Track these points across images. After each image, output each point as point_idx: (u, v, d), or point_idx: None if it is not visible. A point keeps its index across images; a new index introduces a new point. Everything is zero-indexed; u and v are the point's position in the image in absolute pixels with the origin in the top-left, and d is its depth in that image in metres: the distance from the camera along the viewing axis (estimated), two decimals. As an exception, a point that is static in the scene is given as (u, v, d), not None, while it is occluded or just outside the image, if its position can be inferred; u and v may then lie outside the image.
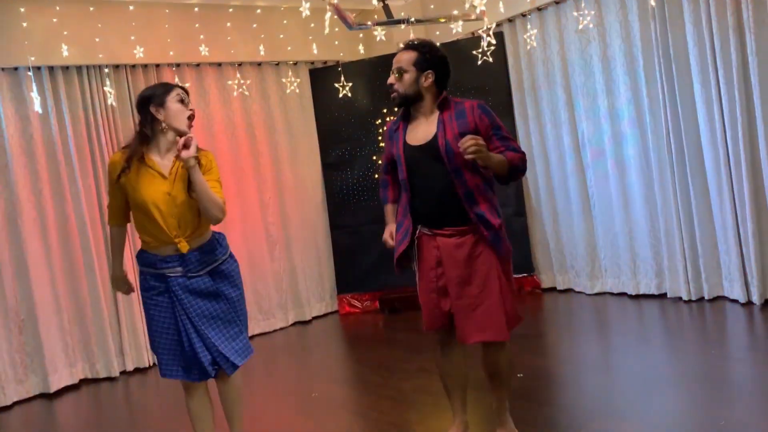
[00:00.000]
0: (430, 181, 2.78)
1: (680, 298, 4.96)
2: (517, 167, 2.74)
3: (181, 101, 2.83)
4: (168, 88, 2.83)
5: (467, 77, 6.04)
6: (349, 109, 6.28)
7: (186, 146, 2.70)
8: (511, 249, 2.84)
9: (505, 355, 2.87)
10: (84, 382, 5.10)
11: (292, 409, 3.89)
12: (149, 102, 2.78)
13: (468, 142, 2.51)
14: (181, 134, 2.79)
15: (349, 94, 5.86)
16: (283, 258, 6.12)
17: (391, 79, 2.83)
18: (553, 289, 5.98)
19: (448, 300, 2.81)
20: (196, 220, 2.79)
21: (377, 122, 6.23)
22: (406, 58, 2.81)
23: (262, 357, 5.34)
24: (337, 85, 5.79)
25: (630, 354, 4.09)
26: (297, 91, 5.93)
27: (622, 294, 5.42)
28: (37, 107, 4.55)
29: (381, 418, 3.52)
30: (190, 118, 2.85)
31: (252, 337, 5.82)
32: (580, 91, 5.45)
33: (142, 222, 2.78)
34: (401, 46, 2.89)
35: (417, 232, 2.92)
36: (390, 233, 3.06)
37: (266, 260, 6.01)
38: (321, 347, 5.52)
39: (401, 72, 2.80)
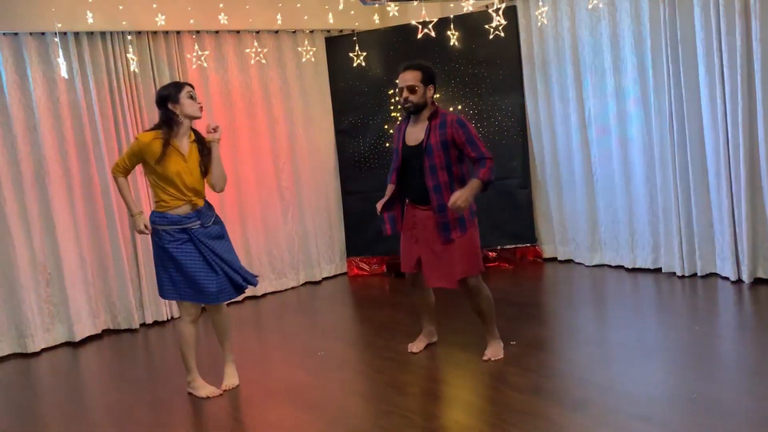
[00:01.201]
0: (414, 173, 3.75)
1: (674, 273, 5.16)
2: (490, 181, 3.62)
3: (191, 97, 3.61)
4: (179, 87, 3.62)
5: (479, 50, 6.16)
6: (362, 78, 6.43)
7: (214, 130, 3.71)
8: (473, 226, 3.75)
9: (481, 298, 3.82)
10: (106, 332, 5.44)
11: (297, 366, 4.18)
12: (167, 100, 3.59)
13: (456, 204, 3.47)
14: (195, 119, 3.65)
15: (363, 64, 6.00)
16: (295, 221, 6.37)
17: (406, 94, 3.70)
18: (554, 260, 6.19)
19: (418, 253, 3.83)
20: (202, 187, 3.73)
21: (389, 92, 6.37)
22: (413, 77, 3.68)
23: (272, 314, 5.66)
24: (351, 54, 5.94)
25: (621, 325, 4.32)
26: (312, 59, 6.07)
27: (620, 267, 5.63)
28: (63, 72, 4.76)
29: (379, 378, 3.80)
30: (200, 105, 3.66)
31: (264, 295, 6.14)
32: (588, 69, 5.56)
33: (168, 188, 3.60)
34: (403, 66, 3.76)
35: (405, 202, 3.94)
36: (381, 203, 3.96)
37: (279, 223, 6.27)
38: (329, 307, 5.80)
39: (413, 89, 3.68)
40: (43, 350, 5.11)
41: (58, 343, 5.20)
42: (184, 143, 3.63)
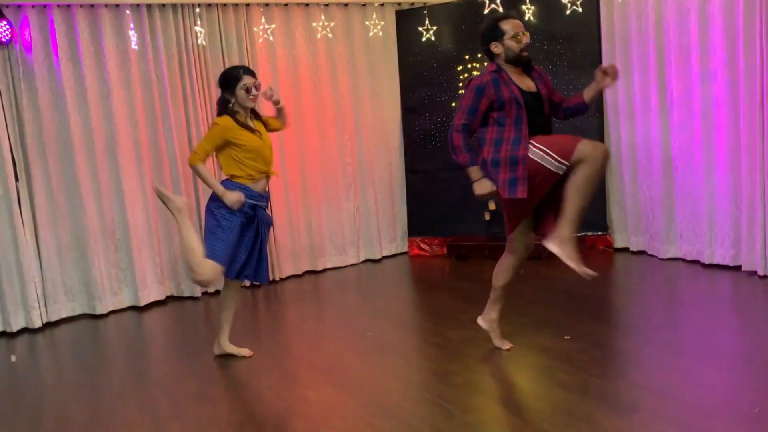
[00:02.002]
0: (537, 118, 3.41)
1: (755, 273, 4.77)
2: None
3: (246, 89, 3.74)
4: (236, 79, 3.76)
5: (556, 26, 5.86)
6: (432, 53, 6.26)
7: (270, 97, 3.91)
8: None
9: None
10: (170, 298, 5.62)
11: (344, 345, 4.17)
12: (224, 88, 3.80)
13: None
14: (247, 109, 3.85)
15: (433, 38, 5.83)
16: (357, 198, 6.34)
17: (527, 40, 3.44)
18: (625, 250, 5.88)
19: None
20: (271, 159, 3.94)
21: (458, 68, 6.18)
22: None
23: (328, 290, 5.68)
24: (421, 28, 5.78)
25: (690, 326, 4.03)
26: (380, 34, 5.96)
27: (695, 262, 5.27)
28: (134, 44, 4.88)
29: (424, 364, 3.72)
30: (254, 98, 3.81)
31: (323, 271, 6.17)
32: (672, 48, 5.17)
33: (251, 162, 3.78)
34: (517, 14, 3.61)
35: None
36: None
37: (341, 199, 6.25)
38: (385, 287, 5.76)
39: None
40: (111, 312, 5.34)
41: (124, 307, 5.43)
42: (250, 122, 3.86)
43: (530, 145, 3.26)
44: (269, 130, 4.01)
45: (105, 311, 5.30)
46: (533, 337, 3.92)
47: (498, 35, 3.44)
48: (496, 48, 3.46)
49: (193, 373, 3.88)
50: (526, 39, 3.42)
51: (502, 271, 3.68)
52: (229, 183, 3.79)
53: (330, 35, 5.83)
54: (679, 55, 5.13)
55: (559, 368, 3.46)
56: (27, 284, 4.99)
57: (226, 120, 3.76)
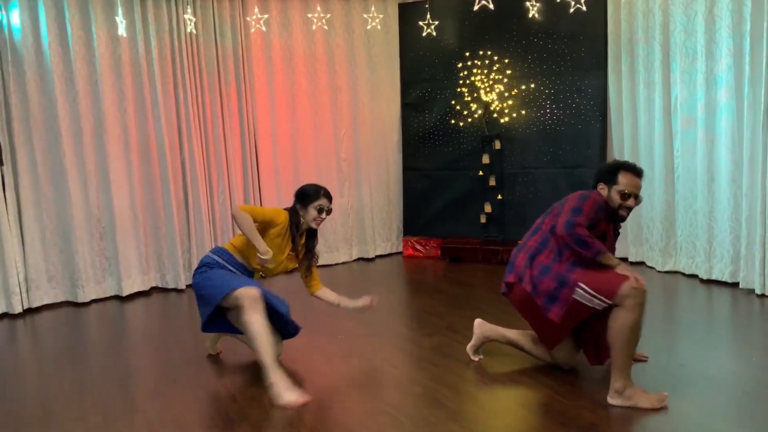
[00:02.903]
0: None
1: (753, 291, 4.55)
2: None
3: (319, 210, 3.59)
4: (316, 196, 3.60)
5: (561, 24, 5.66)
6: (433, 49, 6.10)
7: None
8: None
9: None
10: (154, 289, 5.58)
11: (314, 348, 4.05)
12: (298, 201, 3.62)
13: None
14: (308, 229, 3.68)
15: (434, 33, 5.67)
16: (352, 195, 6.21)
17: (632, 203, 3.20)
18: (623, 260, 5.65)
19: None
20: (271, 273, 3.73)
21: (459, 65, 6.01)
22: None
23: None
24: (422, 23, 5.62)
25: (682, 344, 3.82)
26: (379, 27, 5.81)
27: (694, 276, 5.06)
28: (122, 31, 4.81)
29: (388, 372, 3.59)
30: (321, 221, 3.64)
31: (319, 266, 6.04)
32: (678, 51, 4.94)
33: (253, 258, 3.53)
34: (636, 169, 3.22)
35: None
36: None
37: (335, 195, 6.07)
38: (372, 288, 5.58)
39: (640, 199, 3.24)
40: (93, 301, 5.31)
41: (107, 296, 5.39)
42: (297, 240, 3.66)
43: (577, 288, 3.03)
44: (299, 262, 3.73)
45: (87, 299, 5.27)
46: (511, 349, 3.74)
47: (610, 180, 3.21)
48: (602, 190, 3.23)
49: (159, 370, 3.81)
50: (631, 202, 3.18)
51: (534, 349, 3.50)
52: (221, 248, 3.62)
53: (325, 27, 5.69)
54: (684, 58, 4.90)
55: (526, 385, 3.30)
56: (9, 269, 4.97)
57: (285, 216, 3.57)
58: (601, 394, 3.20)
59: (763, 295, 4.46)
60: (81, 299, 5.24)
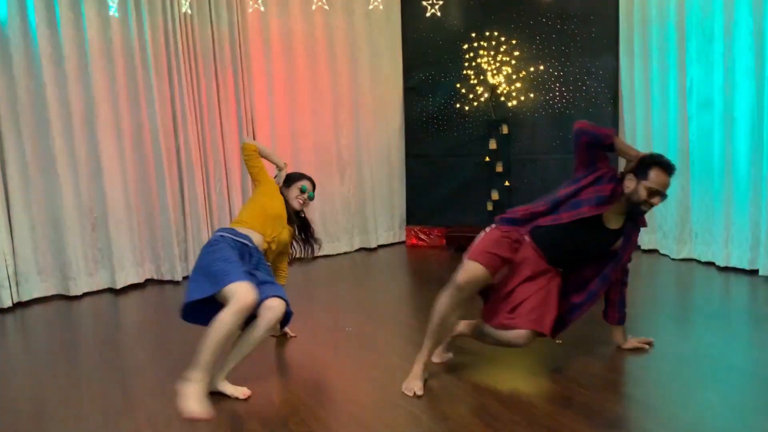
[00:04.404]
0: (582, 245, 3.17)
1: (773, 278, 4.39)
2: None
3: (302, 190, 3.68)
4: (299, 178, 3.73)
5: (571, 4, 5.47)
6: (437, 30, 5.90)
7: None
8: None
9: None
10: (149, 281, 5.36)
11: (319, 340, 3.87)
12: (284, 184, 3.72)
13: None
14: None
15: (438, 14, 5.47)
16: (353, 182, 6.01)
17: (658, 201, 3.01)
18: (636, 248, 5.48)
19: None
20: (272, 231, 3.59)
21: (464, 47, 5.80)
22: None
23: (317, 280, 5.37)
24: (425, 3, 5.41)
25: (699, 334, 3.66)
26: (381, 7, 5.59)
27: (710, 264, 4.89)
28: (114, 11, 4.58)
29: (400, 365, 3.38)
30: (303, 202, 3.72)
31: (314, 258, 5.83)
32: (694, 31, 4.75)
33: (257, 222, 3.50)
34: (671, 168, 3.01)
35: None
36: None
37: (335, 182, 5.93)
38: (376, 279, 5.44)
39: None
40: (85, 294, 5.09)
41: (100, 289, 5.17)
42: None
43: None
44: (282, 240, 3.60)
45: (80, 293, 5.04)
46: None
47: (641, 174, 2.99)
48: (630, 181, 3.02)
49: (159, 365, 3.61)
50: (656, 200, 3.00)
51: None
52: (226, 228, 3.44)
53: (326, 7, 5.47)
54: (701, 38, 4.71)
55: (546, 377, 3.13)
56: (-3, 261, 4.75)
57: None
58: (627, 386, 3.03)
59: (784, 283, 4.31)
60: (73, 292, 5.02)
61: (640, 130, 5.33)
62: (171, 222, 5.26)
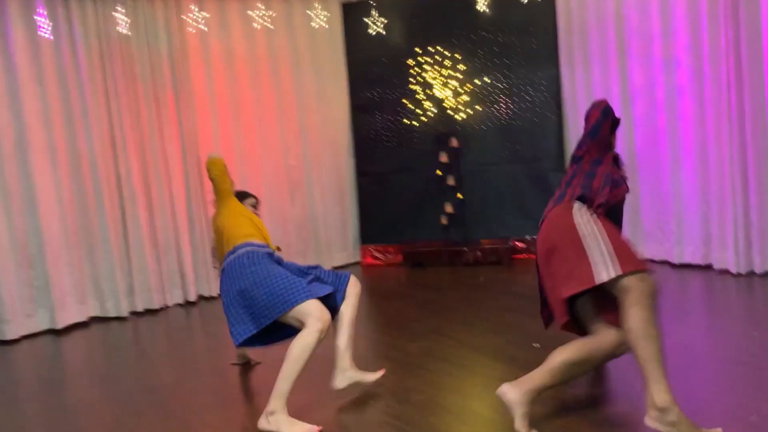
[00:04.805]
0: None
1: (727, 271, 4.50)
2: None
3: (253, 206, 3.57)
4: (248, 195, 3.59)
5: (511, 16, 5.57)
6: (381, 48, 5.88)
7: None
8: None
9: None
10: (94, 320, 5.02)
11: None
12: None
13: None
14: None
15: (383, 32, 5.45)
16: (304, 204, 5.86)
17: None
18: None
19: None
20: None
21: (410, 63, 5.80)
22: None
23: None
24: (368, 20, 5.39)
25: (664, 329, 3.68)
26: (326, 26, 5.53)
27: (664, 262, 4.98)
28: (47, 33, 4.32)
29: (379, 381, 3.25)
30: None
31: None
32: (633, 35, 4.90)
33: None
34: None
35: None
36: None
37: (286, 205, 5.76)
38: (336, 299, 5.27)
39: None
40: (23, 337, 4.69)
41: (39, 331, 4.78)
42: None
43: None
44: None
45: (16, 336, 4.64)
46: (500, 346, 3.52)
47: None
48: None
49: (115, 403, 3.32)
50: None
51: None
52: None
53: (271, 26, 5.36)
54: (640, 42, 4.87)
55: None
56: None
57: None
58: (614, 381, 3.00)
59: (739, 275, 4.42)
60: (9, 336, 4.61)
61: (585, 136, 5.43)
62: (114, 255, 4.96)
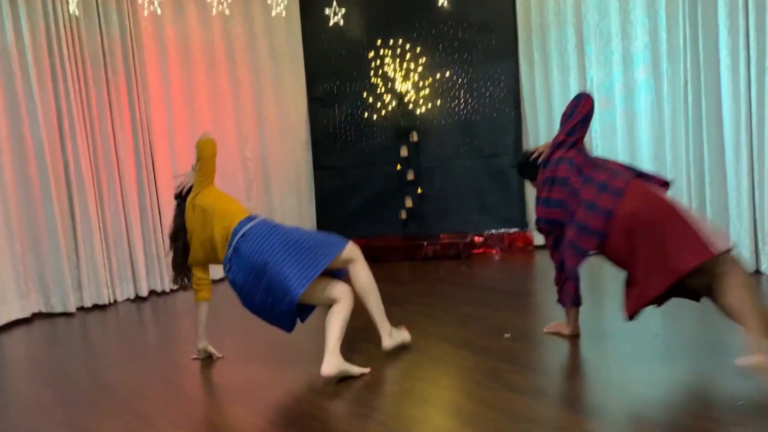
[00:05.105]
0: None
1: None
2: None
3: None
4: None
5: (471, 12, 5.60)
6: (340, 40, 5.81)
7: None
8: None
9: None
10: (37, 316, 4.75)
11: (250, 358, 3.58)
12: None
13: None
14: None
15: (341, 23, 5.38)
16: (260, 197, 5.73)
17: None
18: (545, 247, 5.62)
19: None
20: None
21: (370, 55, 5.75)
22: None
23: (227, 301, 4.99)
24: (328, 10, 5.31)
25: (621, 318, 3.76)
26: (283, 14, 5.42)
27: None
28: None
29: (344, 379, 3.17)
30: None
31: (222, 280, 5.45)
32: (592, 33, 5.01)
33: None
34: None
35: None
36: None
37: (242, 199, 5.59)
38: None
39: None
40: (-41, 335, 4.40)
41: (-23, 327, 4.49)
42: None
43: None
44: None
45: (-48, 333, 4.35)
46: (468, 338, 3.50)
47: None
48: None
49: (64, 400, 3.13)
50: None
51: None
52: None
53: (227, 12, 5.21)
54: (598, 40, 4.96)
55: (505, 369, 3.04)
56: None
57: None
58: (589, 369, 3.02)
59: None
60: (-56, 334, 4.32)
61: (542, 133, 5.51)
62: (61, 247, 4.71)
